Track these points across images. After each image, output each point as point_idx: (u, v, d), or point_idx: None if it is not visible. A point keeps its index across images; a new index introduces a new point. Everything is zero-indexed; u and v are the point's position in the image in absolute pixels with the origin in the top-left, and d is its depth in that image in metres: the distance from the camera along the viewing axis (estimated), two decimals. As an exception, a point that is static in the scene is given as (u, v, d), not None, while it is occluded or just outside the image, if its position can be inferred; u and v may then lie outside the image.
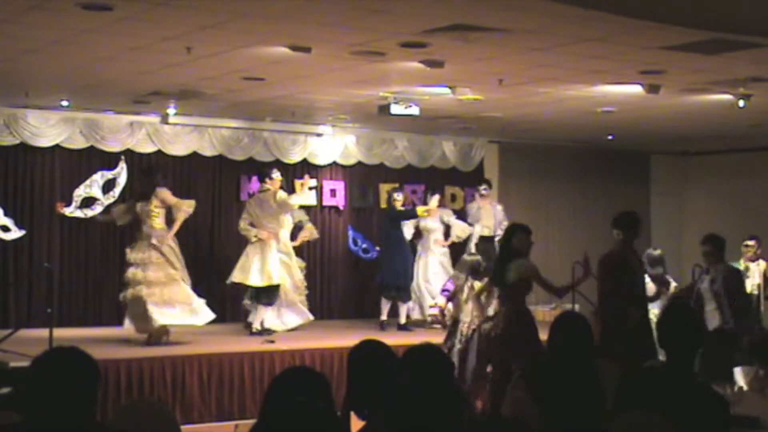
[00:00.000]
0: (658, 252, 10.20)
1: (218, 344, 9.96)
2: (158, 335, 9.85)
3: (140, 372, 8.86)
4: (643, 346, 7.23)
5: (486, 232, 12.73)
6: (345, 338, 9.95)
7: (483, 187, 12.97)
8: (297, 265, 11.56)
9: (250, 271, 10.82)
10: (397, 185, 12.70)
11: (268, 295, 10.92)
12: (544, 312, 11.64)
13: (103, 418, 6.44)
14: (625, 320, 7.60)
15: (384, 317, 11.66)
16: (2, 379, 8.10)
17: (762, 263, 10.87)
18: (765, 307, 10.92)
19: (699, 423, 3.76)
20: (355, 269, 13.08)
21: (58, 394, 2.97)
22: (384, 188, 13.05)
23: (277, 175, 11.22)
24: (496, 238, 12.87)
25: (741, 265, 10.75)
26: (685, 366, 4.14)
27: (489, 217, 12.77)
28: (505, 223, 12.97)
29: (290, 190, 13.01)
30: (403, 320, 11.72)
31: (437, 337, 9.10)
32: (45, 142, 11.49)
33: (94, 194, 11.76)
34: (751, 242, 10.88)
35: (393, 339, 8.58)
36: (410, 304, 11.93)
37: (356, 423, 3.78)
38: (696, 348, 4.21)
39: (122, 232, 11.91)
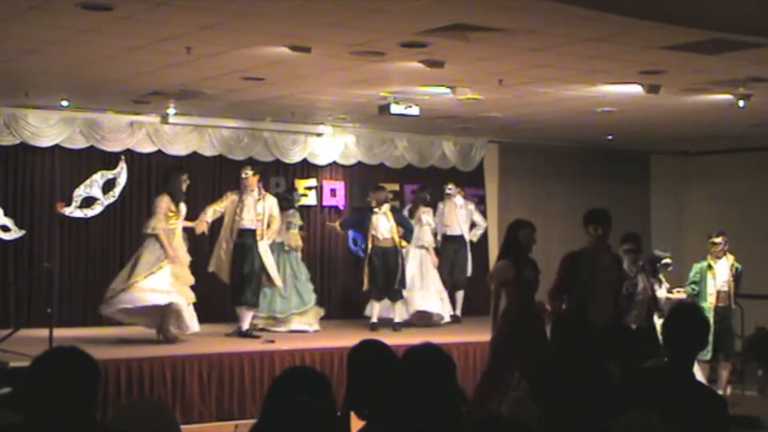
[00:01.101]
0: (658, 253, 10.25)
1: (218, 344, 9.96)
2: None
3: (140, 372, 8.85)
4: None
5: (449, 231, 12.76)
6: (345, 338, 9.94)
7: (448, 186, 12.95)
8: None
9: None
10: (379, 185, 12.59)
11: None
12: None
13: (103, 418, 6.44)
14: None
15: (375, 319, 11.62)
16: (2, 379, 8.10)
17: (730, 257, 10.85)
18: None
19: (699, 423, 3.77)
20: (355, 269, 13.05)
21: (58, 394, 2.97)
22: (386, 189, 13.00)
23: (246, 174, 10.98)
24: (467, 237, 12.94)
25: (706, 262, 10.74)
26: (685, 366, 4.15)
27: (452, 217, 12.78)
28: (480, 221, 13.01)
29: (289, 189, 13.04)
30: (397, 319, 11.71)
31: (437, 337, 9.10)
32: (45, 142, 11.49)
33: (94, 194, 11.77)
34: (718, 239, 10.82)
35: (393, 339, 8.58)
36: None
37: (356, 423, 3.78)
38: (698, 349, 4.22)
39: (122, 232, 11.94)
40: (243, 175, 10.94)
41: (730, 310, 10.62)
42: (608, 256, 7.83)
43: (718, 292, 10.59)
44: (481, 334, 10.95)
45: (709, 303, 10.47)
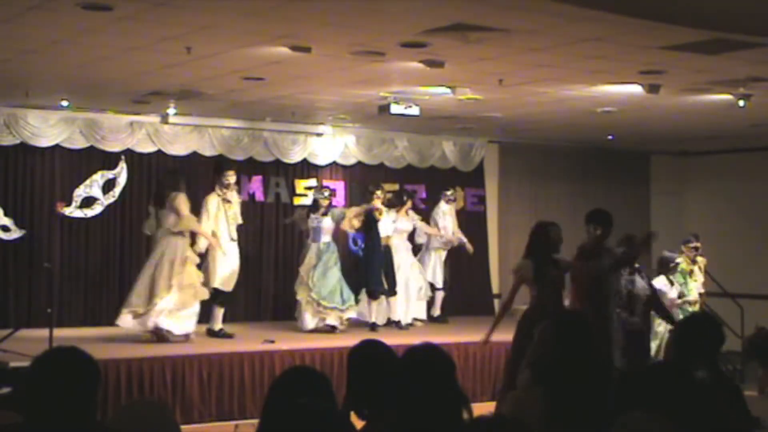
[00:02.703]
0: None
1: (218, 344, 9.96)
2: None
3: (140, 372, 8.85)
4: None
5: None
6: (345, 338, 9.96)
7: (450, 192, 12.91)
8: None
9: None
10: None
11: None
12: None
13: (103, 418, 6.44)
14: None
15: (373, 319, 11.60)
16: (2, 379, 8.10)
17: (703, 260, 10.84)
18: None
19: (699, 422, 3.77)
20: (355, 270, 13.04)
21: (58, 394, 2.97)
22: (385, 188, 12.98)
23: (233, 177, 11.00)
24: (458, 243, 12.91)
25: (685, 266, 10.70)
26: (689, 367, 4.17)
27: (454, 222, 12.74)
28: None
29: (290, 190, 13.05)
30: (396, 317, 11.69)
31: (437, 337, 9.10)
32: (45, 142, 11.50)
33: (94, 194, 11.77)
34: (698, 243, 10.82)
35: (393, 339, 8.58)
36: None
37: (356, 423, 3.78)
38: (707, 357, 4.27)
39: (122, 232, 11.94)
40: (230, 179, 10.88)
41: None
42: (608, 256, 7.84)
43: (700, 295, 10.64)
44: (477, 335, 10.99)
45: (693, 308, 10.45)
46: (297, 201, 13.05)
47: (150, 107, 11.45)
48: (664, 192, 15.90)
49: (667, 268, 10.30)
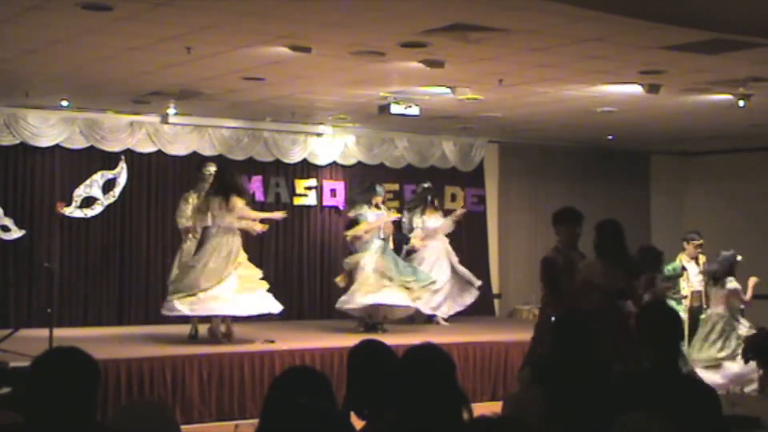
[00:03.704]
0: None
1: (218, 344, 9.95)
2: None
3: (140, 372, 8.84)
4: None
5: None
6: (345, 338, 9.95)
7: (426, 184, 12.89)
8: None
9: None
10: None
11: None
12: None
13: (103, 418, 6.44)
14: None
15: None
16: (2, 379, 8.09)
17: (703, 258, 10.81)
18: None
19: (697, 421, 3.77)
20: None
21: (58, 394, 2.96)
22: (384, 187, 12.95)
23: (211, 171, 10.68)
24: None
25: (679, 263, 10.66)
26: (673, 364, 4.18)
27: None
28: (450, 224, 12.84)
29: (291, 190, 13.04)
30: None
31: (437, 337, 9.09)
32: (45, 142, 11.50)
33: (94, 194, 11.77)
34: (700, 240, 10.79)
35: (393, 339, 8.58)
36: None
37: (356, 423, 3.77)
38: (678, 343, 4.28)
39: (122, 232, 11.94)
40: (209, 172, 10.62)
41: (701, 309, 10.57)
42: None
43: (692, 293, 10.60)
44: (477, 335, 11.00)
45: (684, 304, 10.42)
46: (297, 201, 13.05)
47: (150, 107, 11.45)
48: (664, 192, 15.90)
49: (731, 268, 10.26)
